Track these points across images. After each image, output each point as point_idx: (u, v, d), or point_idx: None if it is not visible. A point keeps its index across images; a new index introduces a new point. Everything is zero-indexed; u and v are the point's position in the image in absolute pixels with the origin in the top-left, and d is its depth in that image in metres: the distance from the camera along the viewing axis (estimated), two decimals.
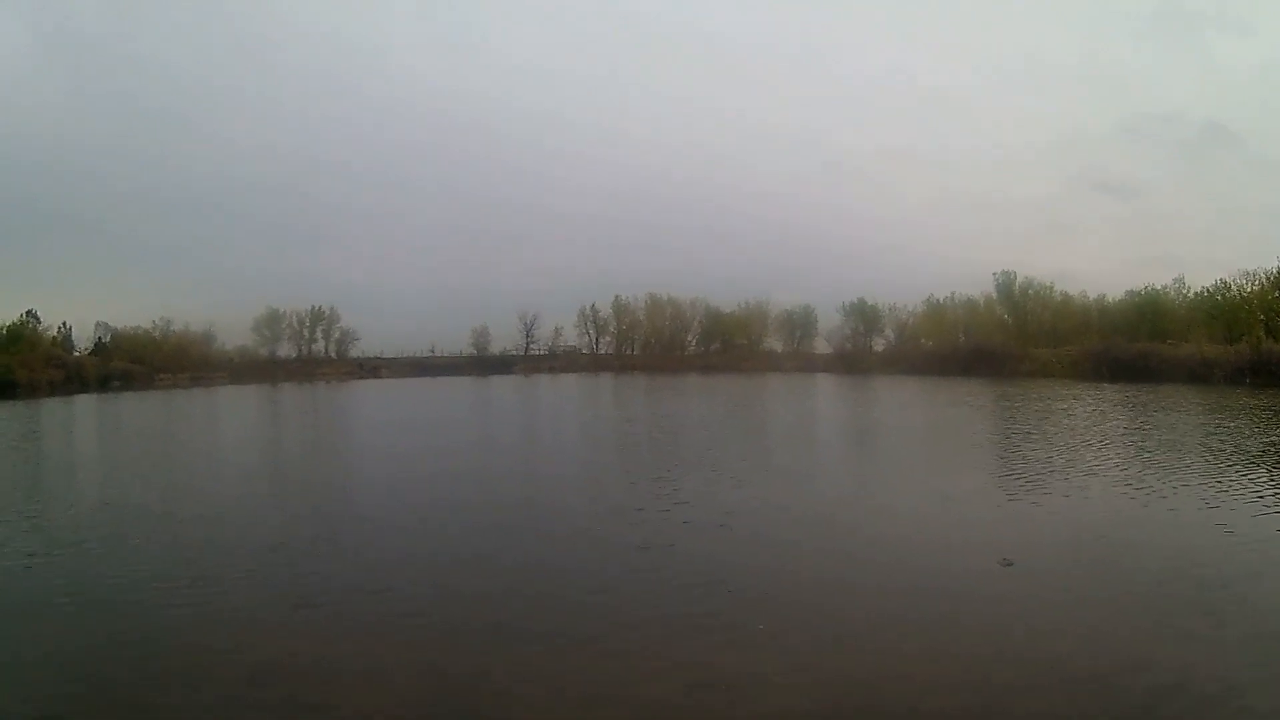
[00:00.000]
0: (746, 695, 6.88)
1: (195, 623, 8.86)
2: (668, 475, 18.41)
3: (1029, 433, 27.08)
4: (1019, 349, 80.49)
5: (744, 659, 7.59)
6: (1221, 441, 23.20)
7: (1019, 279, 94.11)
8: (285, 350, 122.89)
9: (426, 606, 9.38)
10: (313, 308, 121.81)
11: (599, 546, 12.17)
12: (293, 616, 9.10)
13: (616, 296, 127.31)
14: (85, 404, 57.11)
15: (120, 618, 9.09)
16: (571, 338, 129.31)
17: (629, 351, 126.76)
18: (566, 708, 6.78)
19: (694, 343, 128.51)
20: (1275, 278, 68.40)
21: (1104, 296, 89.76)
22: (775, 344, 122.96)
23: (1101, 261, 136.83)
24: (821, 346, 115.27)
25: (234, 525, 14.01)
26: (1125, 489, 15.99)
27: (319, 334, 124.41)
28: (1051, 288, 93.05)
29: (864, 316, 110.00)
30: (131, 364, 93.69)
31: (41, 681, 7.48)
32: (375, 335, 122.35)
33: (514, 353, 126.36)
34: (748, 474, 18.75)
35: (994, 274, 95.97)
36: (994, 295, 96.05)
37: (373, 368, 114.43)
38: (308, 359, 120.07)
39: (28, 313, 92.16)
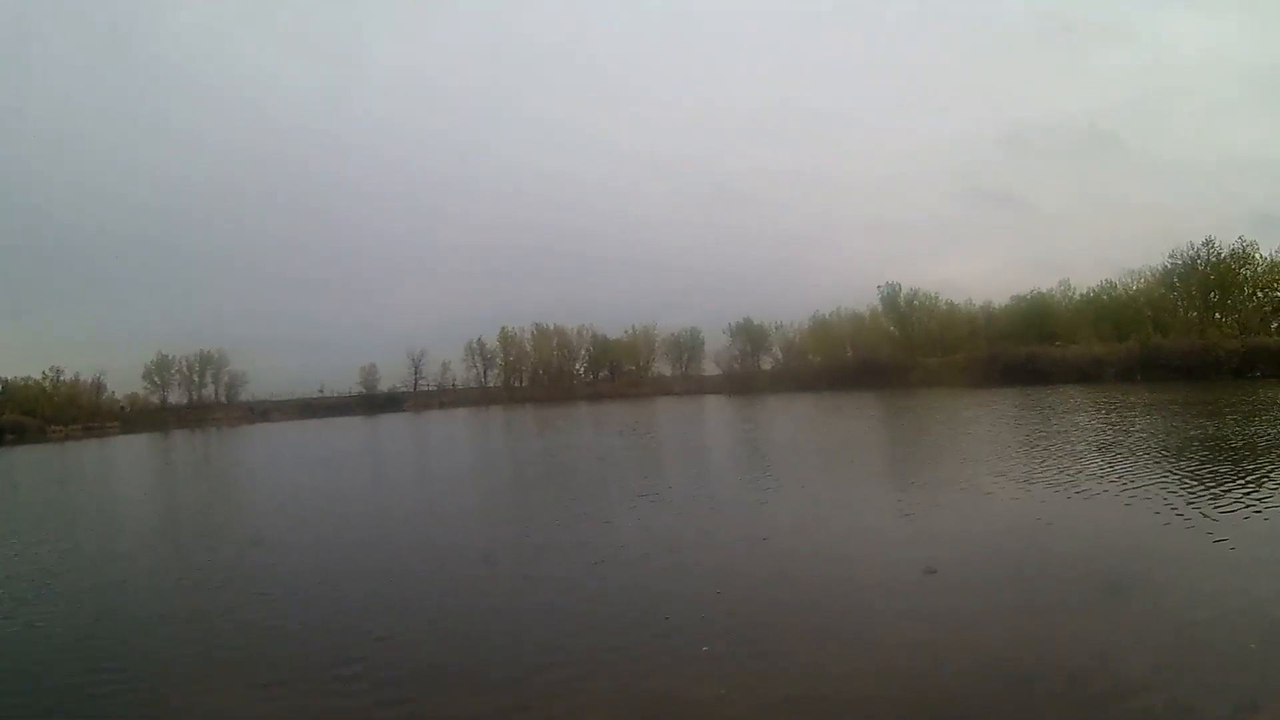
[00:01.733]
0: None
1: (129, 678, 8.36)
2: (581, 508, 17.38)
3: (939, 442, 26.66)
4: (907, 359, 79.60)
5: (683, 686, 7.36)
6: (1138, 439, 22.44)
7: (904, 290, 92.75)
8: (175, 396, 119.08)
9: (355, 652, 8.78)
10: (201, 352, 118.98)
11: (527, 584, 11.40)
12: (227, 668, 8.63)
13: (503, 328, 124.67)
14: None
15: (46, 672, 8.67)
16: (460, 372, 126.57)
17: (517, 383, 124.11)
18: None
19: (582, 371, 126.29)
20: (1161, 275, 68.96)
21: (990, 303, 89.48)
22: (664, 368, 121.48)
23: (992, 271, 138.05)
24: (710, 368, 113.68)
25: (147, 588, 12.72)
26: (1046, 490, 15.53)
27: (209, 379, 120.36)
28: (936, 297, 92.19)
29: (751, 336, 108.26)
30: (23, 416, 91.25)
31: None
32: (264, 376, 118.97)
33: (403, 390, 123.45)
34: (663, 501, 17.56)
35: (878, 287, 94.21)
36: (879, 308, 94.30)
37: (263, 411, 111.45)
38: (198, 405, 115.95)
39: None
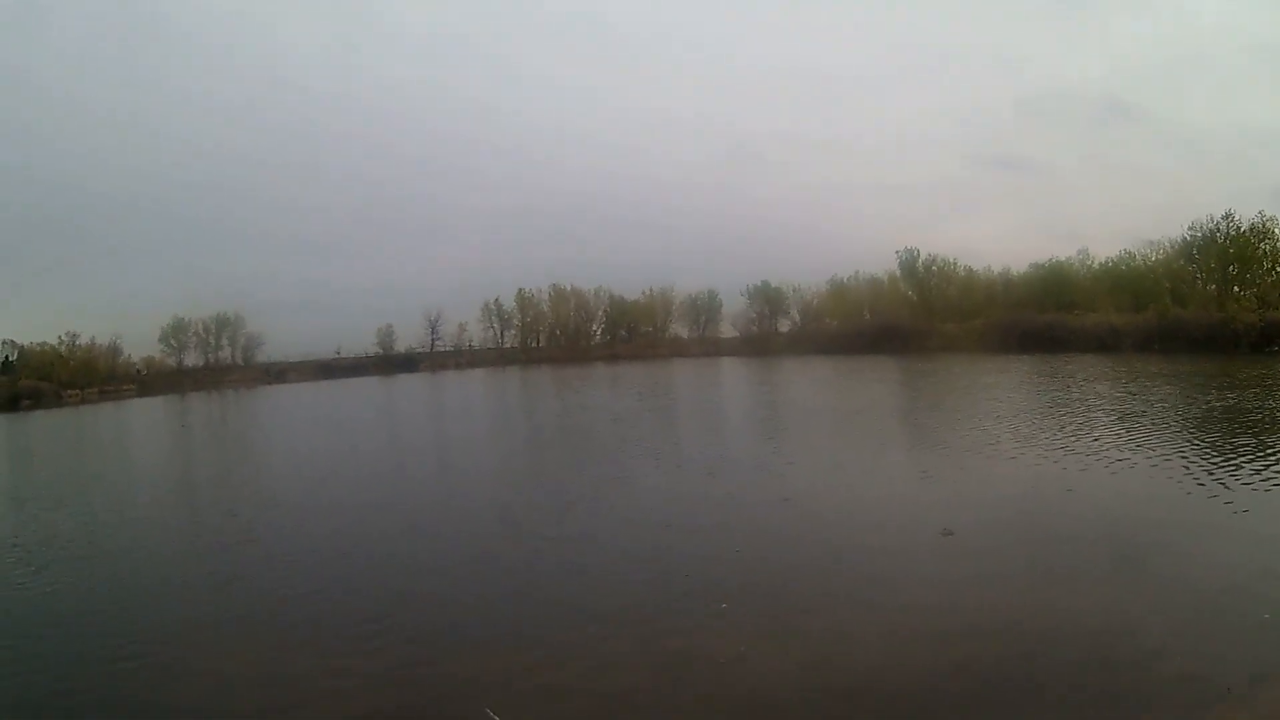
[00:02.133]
0: (708, 678, 6.86)
1: (149, 643, 8.49)
2: (599, 469, 17.61)
3: (959, 407, 26.73)
4: (925, 324, 79.24)
5: (702, 645, 7.48)
6: (1160, 409, 22.38)
7: (922, 256, 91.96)
8: (192, 359, 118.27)
9: (374, 614, 8.96)
10: (218, 314, 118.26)
11: (546, 544, 11.53)
12: (247, 630, 8.76)
13: (520, 289, 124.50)
14: None
15: (65, 639, 8.75)
16: (476, 333, 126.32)
17: (534, 344, 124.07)
18: (533, 701, 6.69)
19: (599, 332, 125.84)
20: (1180, 246, 67.99)
21: (1009, 270, 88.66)
22: (681, 330, 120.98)
23: (1007, 238, 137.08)
24: (727, 330, 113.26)
25: (164, 554, 12.78)
26: (1067, 457, 15.66)
27: (225, 341, 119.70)
28: (955, 263, 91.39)
29: (768, 299, 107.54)
30: (40, 381, 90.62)
31: None
32: (280, 337, 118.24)
33: (420, 350, 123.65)
34: (683, 462, 17.88)
35: (897, 252, 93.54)
36: (898, 273, 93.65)
37: (279, 372, 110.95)
38: (215, 367, 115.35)
39: None
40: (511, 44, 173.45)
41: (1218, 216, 63.75)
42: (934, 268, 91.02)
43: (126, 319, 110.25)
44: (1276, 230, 61.80)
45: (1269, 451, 15.15)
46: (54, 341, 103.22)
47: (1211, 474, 13.48)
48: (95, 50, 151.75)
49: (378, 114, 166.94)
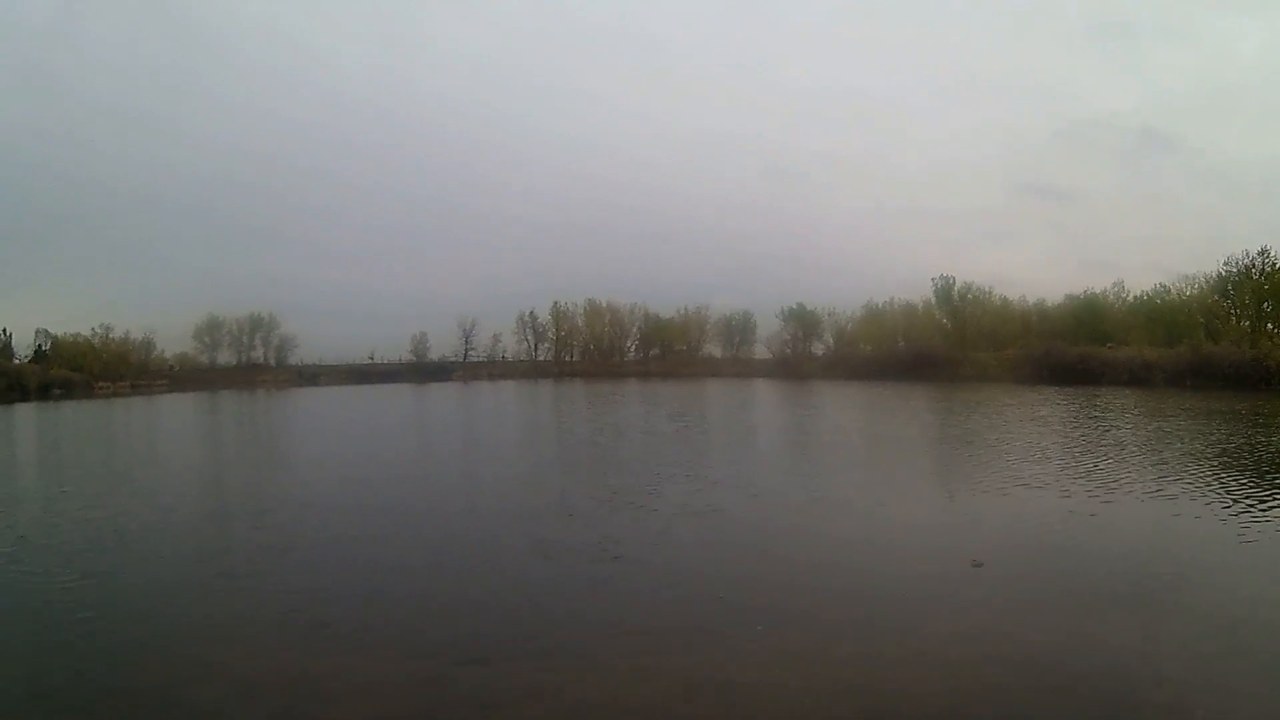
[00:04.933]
0: (739, 700, 6.87)
1: (174, 637, 8.64)
2: (633, 487, 17.28)
3: (998, 437, 26.16)
4: (959, 353, 79.88)
5: (733, 666, 7.52)
6: (1200, 446, 22.34)
7: (958, 284, 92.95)
8: (225, 357, 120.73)
9: (404, 617, 9.09)
10: (252, 314, 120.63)
11: (577, 557, 11.55)
12: (275, 631, 8.79)
13: (555, 303, 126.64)
14: (26, 413, 54.96)
15: (89, 632, 8.78)
16: (510, 344, 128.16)
17: (568, 358, 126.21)
18: (557, 715, 6.70)
19: (633, 349, 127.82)
20: (1215, 282, 68.13)
21: (1043, 301, 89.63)
22: (714, 349, 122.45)
23: (1041, 267, 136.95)
24: (761, 352, 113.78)
25: (202, 545, 12.94)
26: (1102, 490, 15.70)
27: (258, 341, 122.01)
28: (990, 292, 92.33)
29: (803, 322, 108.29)
30: (71, 372, 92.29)
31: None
32: (314, 341, 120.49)
33: (453, 359, 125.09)
34: (716, 484, 17.62)
35: (932, 279, 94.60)
36: (932, 300, 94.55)
37: (312, 375, 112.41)
38: (247, 366, 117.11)
39: None
40: (549, 57, 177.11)
41: (1253, 251, 64.34)
42: (969, 296, 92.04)
43: (160, 315, 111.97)
44: None
45: None
46: (87, 333, 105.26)
47: (1251, 513, 13.37)
48: (142, 57, 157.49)
49: (416, 125, 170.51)
